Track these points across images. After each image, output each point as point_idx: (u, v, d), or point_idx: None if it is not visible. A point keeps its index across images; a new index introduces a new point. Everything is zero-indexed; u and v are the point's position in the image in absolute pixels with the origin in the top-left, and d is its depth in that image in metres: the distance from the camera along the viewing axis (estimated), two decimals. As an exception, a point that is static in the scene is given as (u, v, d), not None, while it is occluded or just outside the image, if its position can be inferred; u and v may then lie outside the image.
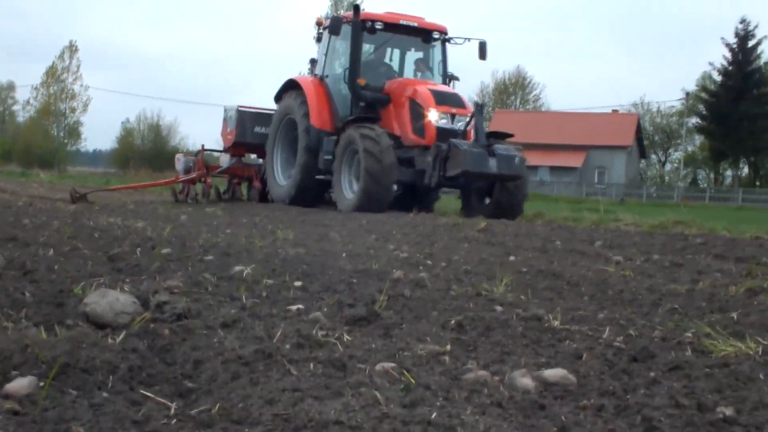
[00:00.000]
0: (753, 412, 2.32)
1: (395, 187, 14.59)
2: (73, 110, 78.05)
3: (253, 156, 19.22)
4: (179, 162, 18.91)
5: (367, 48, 16.30)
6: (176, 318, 3.41)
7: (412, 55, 17.21)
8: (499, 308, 4.11)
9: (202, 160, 18.22)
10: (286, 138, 16.94)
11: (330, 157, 15.35)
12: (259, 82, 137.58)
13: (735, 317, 4.02)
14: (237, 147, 18.09)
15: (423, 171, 14.59)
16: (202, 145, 18.99)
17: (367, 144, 14.05)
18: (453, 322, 3.66)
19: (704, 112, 69.93)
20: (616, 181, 66.95)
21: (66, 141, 78.18)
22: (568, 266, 6.38)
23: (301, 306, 3.86)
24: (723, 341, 3.26)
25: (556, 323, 3.72)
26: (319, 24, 17.85)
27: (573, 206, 25.55)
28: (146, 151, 70.71)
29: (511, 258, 6.86)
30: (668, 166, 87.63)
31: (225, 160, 18.50)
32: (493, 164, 13.87)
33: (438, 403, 2.37)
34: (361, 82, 15.53)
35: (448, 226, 10.58)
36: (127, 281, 4.29)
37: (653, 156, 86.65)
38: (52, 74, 77.48)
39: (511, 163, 14.12)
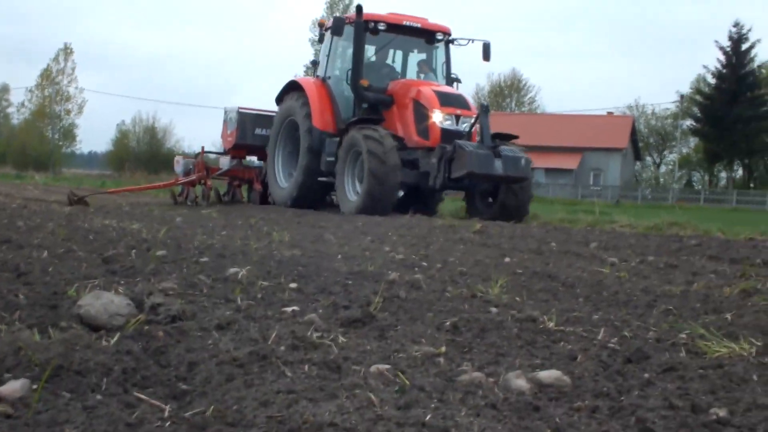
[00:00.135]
0: (746, 413, 2.33)
1: (400, 191, 14.47)
2: (68, 112, 78.05)
3: (254, 158, 19.07)
4: (178, 164, 18.75)
5: (369, 49, 16.16)
6: (171, 320, 3.40)
7: (415, 57, 17.06)
8: (494, 310, 4.11)
9: (202, 162, 18.06)
10: (288, 140, 16.80)
11: (332, 158, 15.21)
12: (254, 84, 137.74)
13: (729, 318, 4.03)
14: (237, 149, 17.92)
15: (427, 173, 14.45)
16: (202, 147, 18.82)
17: (370, 145, 13.93)
18: (448, 323, 3.66)
19: (699, 115, 70.04)
20: (611, 183, 67.04)
21: (61, 143, 78.12)
22: (563, 268, 6.39)
23: (296, 308, 3.86)
24: (717, 342, 3.26)
25: (551, 325, 3.72)
26: (321, 25, 17.68)
27: (568, 208, 25.53)
28: (142, 153, 70.70)
29: (507, 259, 6.87)
30: (663, 168, 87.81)
31: (225, 162, 18.32)
32: (498, 166, 13.74)
33: (432, 405, 2.37)
34: (364, 83, 15.38)
35: (443, 227, 10.58)
36: (121, 283, 4.28)
37: (648, 158, 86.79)
38: (47, 76, 77.42)
39: (517, 164, 14.00)
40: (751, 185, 69.85)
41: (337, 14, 68.76)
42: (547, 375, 2.73)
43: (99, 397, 2.33)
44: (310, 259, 6.13)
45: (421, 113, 14.85)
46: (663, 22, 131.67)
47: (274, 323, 3.44)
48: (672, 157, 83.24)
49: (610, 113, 77.65)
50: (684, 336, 3.51)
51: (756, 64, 68.66)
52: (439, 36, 16.47)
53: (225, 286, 4.52)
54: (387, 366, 2.77)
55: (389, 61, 17.04)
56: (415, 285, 4.84)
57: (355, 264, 5.91)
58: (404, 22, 16.08)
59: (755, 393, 2.54)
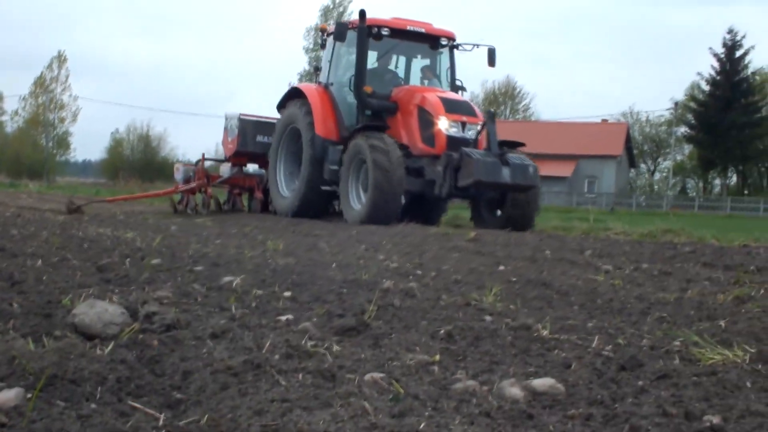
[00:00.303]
0: (740, 420, 2.33)
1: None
2: (62, 120, 77.99)
3: (255, 166, 18.61)
4: (178, 171, 18.48)
5: (372, 55, 15.81)
6: (165, 329, 3.40)
7: (419, 62, 16.69)
8: (488, 318, 4.11)
9: (202, 170, 17.74)
10: (290, 147, 16.51)
11: (336, 167, 14.92)
12: (248, 92, 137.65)
13: (723, 325, 4.03)
14: (238, 156, 17.65)
15: (432, 181, 14.11)
16: (203, 155, 18.47)
17: (376, 156, 13.63)
18: (442, 331, 3.66)
19: (693, 122, 70.25)
20: (605, 191, 67.16)
21: (55, 151, 78.03)
22: (557, 275, 6.39)
23: (290, 316, 3.86)
24: (711, 349, 3.27)
25: (545, 333, 3.73)
26: (322, 30, 17.38)
27: (563, 215, 25.59)
28: (136, 161, 70.71)
29: (501, 267, 6.87)
30: (657, 176, 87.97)
31: (225, 169, 18.08)
32: (506, 174, 13.44)
33: (427, 413, 2.37)
34: (368, 89, 15.06)
35: (437, 235, 10.58)
36: (116, 292, 4.28)
37: (642, 165, 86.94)
38: (41, 84, 77.38)
39: (525, 172, 13.70)
40: (746, 192, 70.03)
41: (332, 22, 69.07)
42: (541, 383, 2.74)
43: (93, 405, 2.33)
44: (305, 268, 6.13)
45: (427, 120, 14.54)
46: (657, 29, 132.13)
47: (269, 332, 3.44)
48: (666, 164, 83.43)
49: (604, 120, 77.83)
50: (678, 343, 3.52)
51: (750, 70, 68.96)
52: (444, 41, 16.15)
53: (219, 294, 4.52)
54: (381, 374, 2.77)
55: (392, 66, 16.68)
56: (410, 293, 4.84)
57: (350, 272, 5.91)
58: (408, 27, 15.75)
59: (749, 400, 2.54)
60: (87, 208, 16.17)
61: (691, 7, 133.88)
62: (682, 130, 74.84)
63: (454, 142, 14.17)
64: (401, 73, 16.69)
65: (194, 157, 18.99)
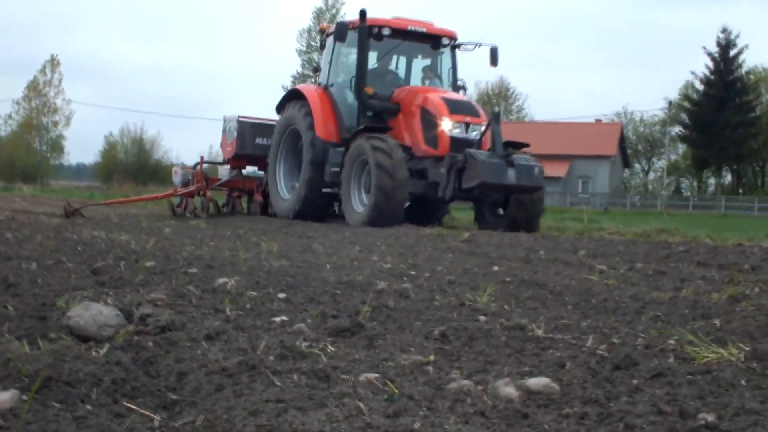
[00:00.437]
0: (734, 418, 2.34)
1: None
2: (55, 124, 77.86)
3: (254, 169, 18.38)
4: (177, 174, 18.29)
5: (372, 55, 15.60)
6: (160, 330, 3.40)
7: (419, 62, 16.52)
8: (482, 318, 4.12)
9: (201, 173, 17.54)
10: (290, 150, 16.34)
11: (337, 169, 14.72)
12: (242, 95, 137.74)
13: (717, 324, 4.04)
14: (237, 159, 17.48)
15: (436, 183, 13.97)
16: (201, 157, 18.22)
17: (379, 157, 13.45)
18: (436, 332, 3.66)
19: (687, 121, 70.38)
20: (599, 191, 67.27)
21: (49, 155, 77.90)
22: (551, 275, 6.40)
23: (285, 317, 3.86)
24: (705, 348, 3.28)
25: (540, 332, 3.73)
26: (322, 31, 17.17)
27: (557, 216, 25.62)
28: (130, 164, 70.62)
29: (495, 268, 6.88)
30: (651, 175, 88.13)
31: (224, 172, 17.93)
32: (512, 175, 13.28)
33: (421, 413, 2.38)
34: (369, 90, 14.90)
35: (431, 236, 10.59)
36: (110, 294, 4.28)
37: (637, 165, 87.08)
38: (34, 88, 77.25)
39: (531, 173, 13.56)
40: (740, 191, 70.17)
41: (325, 24, 68.97)
42: (536, 382, 2.74)
43: (89, 407, 2.33)
44: (299, 269, 6.13)
45: (429, 121, 14.35)
46: (650, 28, 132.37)
47: (263, 333, 3.45)
48: (660, 163, 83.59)
49: (598, 121, 77.95)
50: (672, 342, 3.52)
51: (744, 70, 69.11)
52: (445, 41, 15.95)
53: (214, 296, 4.51)
54: (376, 375, 2.78)
55: (392, 67, 16.52)
56: (404, 294, 4.84)
57: (344, 274, 5.91)
58: (409, 27, 15.56)
59: (743, 398, 2.55)
60: (83, 212, 16.08)
61: (684, 7, 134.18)
62: (676, 129, 75.00)
63: (457, 144, 14.00)
64: (401, 73, 16.50)
65: (188, 160, 18.76)
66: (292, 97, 16.46)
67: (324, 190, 15.29)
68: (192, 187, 17.48)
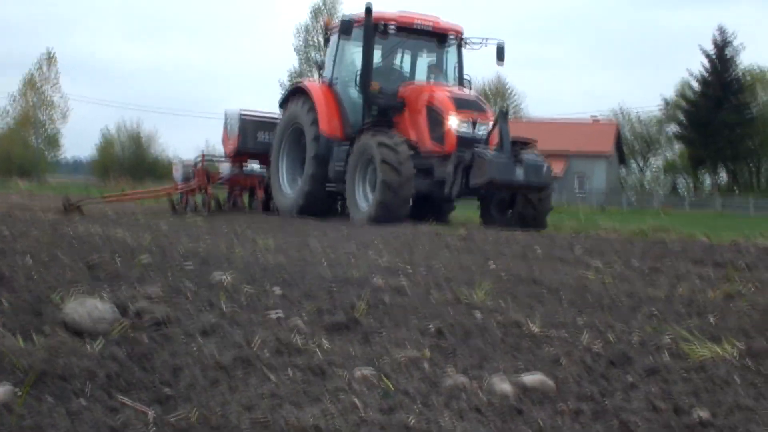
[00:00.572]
0: (728, 414, 2.34)
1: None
2: (52, 120, 77.67)
3: (256, 165, 18.04)
4: (177, 170, 18.09)
5: (377, 51, 15.22)
6: (155, 325, 3.40)
7: (424, 59, 16.24)
8: (478, 314, 4.11)
9: (202, 169, 17.29)
10: (293, 146, 16.06)
11: (341, 166, 14.49)
12: (238, 92, 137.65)
13: (712, 321, 4.05)
14: (239, 155, 17.24)
15: (442, 181, 13.62)
16: (202, 153, 18.05)
17: (384, 154, 13.23)
18: (432, 328, 3.66)
19: (683, 120, 70.39)
20: (596, 189, 67.24)
21: (45, 150, 77.71)
22: (547, 273, 6.40)
23: (280, 313, 3.86)
24: (700, 345, 3.28)
25: (535, 329, 3.73)
26: (327, 26, 16.87)
27: (553, 213, 25.47)
28: (126, 160, 70.48)
29: (491, 265, 6.88)
30: (648, 174, 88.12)
31: (225, 168, 17.67)
32: (520, 173, 13.03)
33: (416, 409, 2.38)
34: (375, 86, 14.64)
35: (428, 233, 10.59)
36: (106, 289, 4.27)
37: (633, 163, 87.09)
38: (30, 84, 77.06)
39: (539, 171, 13.33)
40: (736, 190, 70.21)
41: (329, 19, 68.84)
42: (531, 378, 2.75)
43: (83, 401, 2.33)
44: (295, 265, 6.13)
45: (436, 118, 14.08)
46: (648, 28, 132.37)
47: (259, 328, 3.44)
48: (657, 162, 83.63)
49: (595, 119, 77.93)
50: (668, 339, 3.53)
51: (740, 69, 69.13)
52: (452, 37, 15.71)
53: (209, 291, 4.51)
54: (371, 370, 2.78)
55: (397, 63, 16.23)
56: (400, 290, 4.84)
57: (340, 270, 5.91)
58: (415, 23, 15.32)
59: (737, 395, 2.55)
60: (82, 207, 15.95)
61: (682, 7, 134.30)
62: (673, 128, 75.01)
63: (464, 141, 13.75)
64: (406, 69, 16.23)
65: (185, 157, 18.53)
66: (296, 92, 16.21)
67: (328, 187, 15.08)
68: (193, 184, 17.24)
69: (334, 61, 15.85)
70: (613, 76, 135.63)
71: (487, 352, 3.28)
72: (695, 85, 69.97)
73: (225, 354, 2.90)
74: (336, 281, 5.17)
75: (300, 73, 66.78)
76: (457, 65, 15.97)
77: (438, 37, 15.74)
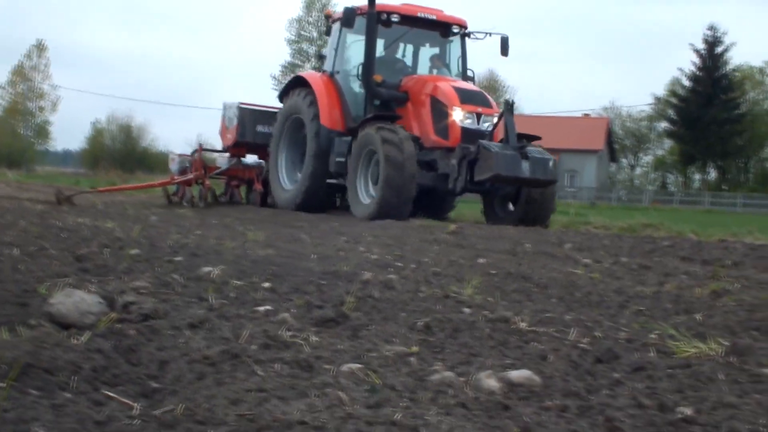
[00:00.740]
0: (712, 411, 2.35)
1: None
2: (41, 110, 77.39)
3: (254, 157, 17.87)
4: (174, 162, 17.83)
5: (379, 42, 15.09)
6: (143, 318, 3.39)
7: (427, 51, 16.05)
8: (467, 310, 4.12)
9: (200, 161, 17.08)
10: (292, 138, 15.91)
11: (342, 159, 14.33)
12: (229, 84, 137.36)
13: (699, 319, 4.07)
14: (237, 147, 17.05)
15: (446, 175, 13.51)
16: (200, 145, 17.84)
17: (388, 148, 13.01)
18: (421, 323, 3.67)
19: (674, 117, 70.59)
20: (587, 185, 67.42)
21: (34, 140, 77.42)
22: (537, 269, 6.42)
23: (269, 307, 3.86)
24: (686, 342, 3.30)
25: (524, 325, 3.74)
26: (328, 17, 16.71)
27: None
28: (116, 151, 70.25)
29: (481, 260, 6.89)
30: (638, 170, 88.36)
31: (223, 160, 17.50)
32: (526, 168, 12.80)
33: (403, 404, 2.38)
34: (378, 78, 14.45)
35: (418, 228, 10.60)
36: (93, 281, 4.26)
37: (623, 160, 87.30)
38: (20, 73, 76.72)
39: (545, 166, 13.14)
40: (724, 187, 70.49)
41: (315, 13, 68.76)
42: (518, 375, 2.75)
43: (68, 395, 2.32)
44: (285, 259, 6.13)
45: (440, 111, 13.89)
46: (638, 24, 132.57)
47: (247, 322, 3.44)
48: (647, 158, 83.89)
49: (586, 115, 78.10)
50: (654, 336, 3.54)
51: (730, 67, 69.37)
52: (455, 29, 15.53)
53: (198, 285, 4.50)
54: (359, 365, 2.78)
55: (399, 55, 16.07)
56: (389, 285, 4.84)
57: (330, 264, 5.91)
58: (418, 14, 15.13)
59: (721, 392, 2.57)
60: (74, 200, 15.81)
61: (673, 4, 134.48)
62: (663, 125, 75.24)
63: (468, 135, 13.57)
64: (409, 61, 16.07)
65: (176, 149, 18.35)
66: (296, 84, 16.01)
67: (328, 180, 14.91)
68: (190, 176, 16.96)
69: (336, 52, 15.62)
70: (605, 73, 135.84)
71: (475, 348, 3.28)
72: (686, 82, 70.20)
73: (212, 348, 2.90)
74: (325, 275, 5.17)
75: (293, 66, 66.67)
76: (460, 58, 15.78)
77: (442, 29, 15.55)
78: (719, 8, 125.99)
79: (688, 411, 2.34)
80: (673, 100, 71.43)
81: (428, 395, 2.51)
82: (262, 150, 16.93)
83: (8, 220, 8.54)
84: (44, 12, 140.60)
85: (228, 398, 2.35)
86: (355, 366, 2.76)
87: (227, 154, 17.54)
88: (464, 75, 15.72)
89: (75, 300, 3.29)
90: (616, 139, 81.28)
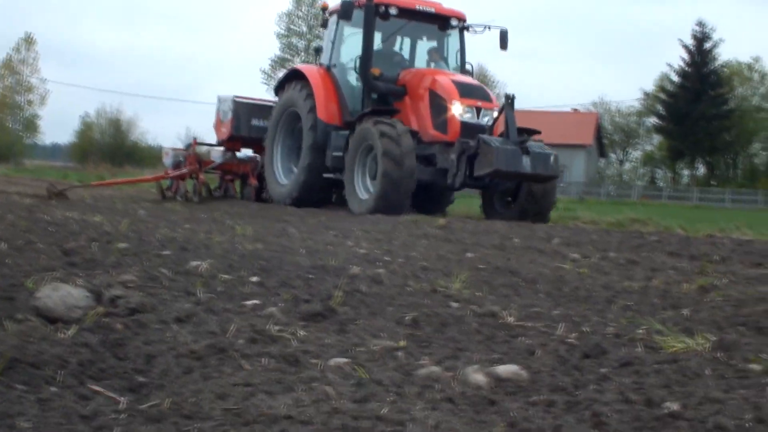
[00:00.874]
0: (698, 406, 2.36)
1: None
2: (30, 103, 76.99)
3: (249, 151, 17.50)
4: (168, 156, 17.49)
5: (377, 35, 14.73)
6: (130, 312, 3.38)
7: (424, 44, 15.75)
8: (454, 304, 4.12)
9: (194, 155, 16.74)
10: (288, 132, 15.64)
11: (339, 153, 14.04)
12: (219, 77, 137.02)
13: (686, 314, 4.08)
14: (232, 141, 16.73)
15: (444, 170, 13.23)
16: (194, 139, 17.54)
17: (386, 143, 12.79)
18: (408, 318, 3.67)
19: (662, 112, 70.77)
20: (575, 180, 67.49)
21: (23, 134, 77.06)
22: (525, 263, 6.42)
23: (256, 301, 3.85)
24: (673, 338, 3.30)
25: (511, 320, 3.74)
26: (324, 9, 16.38)
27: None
28: (106, 145, 69.99)
29: (469, 255, 6.90)
30: (627, 165, 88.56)
31: (217, 154, 17.14)
32: (527, 163, 12.54)
33: (389, 399, 2.38)
34: (376, 71, 14.18)
35: (407, 223, 10.60)
36: (81, 275, 4.24)
37: (612, 155, 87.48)
38: (8, 66, 76.30)
39: (547, 162, 12.87)
40: (713, 183, 70.74)
41: (305, 7, 68.59)
42: (505, 369, 2.76)
43: (54, 389, 2.31)
44: (273, 253, 6.12)
45: (439, 105, 13.62)
46: (627, 19, 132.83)
47: (234, 317, 3.43)
48: (636, 154, 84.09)
49: (575, 110, 78.20)
50: (642, 331, 3.55)
51: (719, 63, 69.57)
52: (454, 22, 15.25)
53: (186, 279, 4.49)
54: (346, 360, 2.78)
55: (396, 48, 15.77)
56: (377, 279, 4.84)
57: (318, 258, 5.90)
58: (417, 7, 14.85)
59: (707, 387, 2.57)
60: (67, 194, 15.68)
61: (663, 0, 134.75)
62: (652, 120, 75.43)
63: (468, 129, 13.32)
64: (406, 54, 15.83)
65: (165, 143, 18.13)
66: (292, 77, 15.76)
67: (325, 175, 14.65)
68: (184, 170, 16.66)
69: (333, 45, 15.39)
70: (594, 68, 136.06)
71: (463, 342, 3.28)
72: (674, 77, 70.40)
73: (199, 342, 2.89)
74: (313, 270, 5.16)
75: (282, 61, 66.54)
76: (459, 51, 15.60)
77: (440, 22, 15.34)
78: (708, 4, 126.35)
79: (674, 406, 2.35)
80: (662, 96, 71.60)
81: (415, 390, 2.51)
82: (257, 144, 16.65)
83: (-4, 214, 8.50)
84: (34, 5, 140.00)
85: (215, 392, 2.35)
86: (342, 360, 2.76)
87: (221, 148, 17.25)
88: (462, 69, 15.50)
89: (62, 294, 3.28)
90: (605, 134, 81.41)
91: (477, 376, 2.66)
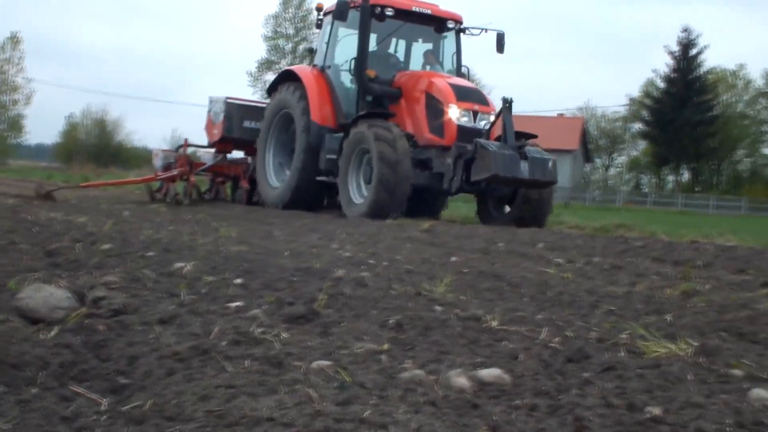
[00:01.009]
0: (680, 411, 2.37)
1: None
2: (15, 103, 76.59)
3: (240, 153, 17.32)
4: (158, 157, 17.34)
5: (372, 37, 14.54)
6: (113, 313, 3.37)
7: (420, 46, 15.59)
8: (438, 308, 4.12)
9: (185, 157, 16.57)
10: (281, 134, 15.48)
11: (333, 156, 13.85)
12: (205, 79, 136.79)
13: (669, 319, 4.09)
14: (223, 143, 16.58)
15: (440, 174, 13.03)
16: (185, 140, 17.28)
17: (381, 147, 12.59)
18: (392, 321, 3.67)
19: (648, 118, 71.12)
20: (561, 185, 67.40)
21: (7, 134, 76.65)
22: (509, 267, 6.43)
23: (240, 303, 3.84)
24: (656, 343, 3.32)
25: (495, 324, 3.75)
26: (319, 9, 16.12)
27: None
28: (91, 146, 69.74)
29: (453, 259, 6.90)
30: (612, 171, 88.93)
31: (208, 156, 17.00)
32: (525, 168, 12.33)
33: (372, 402, 2.38)
34: (371, 73, 14.04)
35: (392, 226, 10.60)
36: (64, 276, 4.22)
37: (598, 160, 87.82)
38: (-8, 64, 75.86)
39: (545, 167, 12.65)
40: (697, 189, 71.12)
41: (292, 9, 68.49)
42: (488, 373, 2.76)
43: (34, 390, 2.30)
44: (257, 256, 6.11)
45: (435, 108, 13.40)
46: (614, 25, 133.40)
47: (218, 318, 3.42)
48: (621, 159, 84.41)
49: (560, 115, 78.44)
50: (625, 336, 3.55)
51: (704, 69, 69.99)
52: (450, 24, 15.10)
53: (169, 280, 4.48)
54: (329, 362, 2.77)
55: (391, 50, 15.59)
56: (361, 282, 4.83)
57: (302, 261, 5.90)
58: (413, 8, 14.68)
59: (689, 392, 2.58)
60: (55, 195, 15.53)
61: (647, 5, 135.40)
62: (638, 126, 75.78)
63: (465, 133, 13.12)
64: (401, 57, 15.65)
65: (152, 144, 17.96)
66: (285, 78, 15.60)
67: (318, 178, 14.44)
68: (174, 172, 16.40)
69: (327, 46, 15.21)
70: (580, 73, 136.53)
71: (446, 346, 3.28)
72: (660, 83, 70.80)
73: (182, 343, 2.88)
74: (297, 272, 5.15)
75: (269, 63, 66.49)
76: (455, 54, 15.44)
77: (436, 24, 15.17)
78: (694, 10, 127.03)
79: (656, 411, 2.36)
80: (648, 102, 72.00)
81: (398, 393, 2.51)
82: (249, 146, 16.47)
83: (-22, 214, 8.46)
84: (21, 4, 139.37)
85: (197, 394, 2.34)
86: (325, 363, 2.76)
87: (212, 150, 17.10)
88: (458, 71, 15.35)
89: (44, 294, 3.27)
90: (591, 140, 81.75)
91: (460, 380, 2.66)
